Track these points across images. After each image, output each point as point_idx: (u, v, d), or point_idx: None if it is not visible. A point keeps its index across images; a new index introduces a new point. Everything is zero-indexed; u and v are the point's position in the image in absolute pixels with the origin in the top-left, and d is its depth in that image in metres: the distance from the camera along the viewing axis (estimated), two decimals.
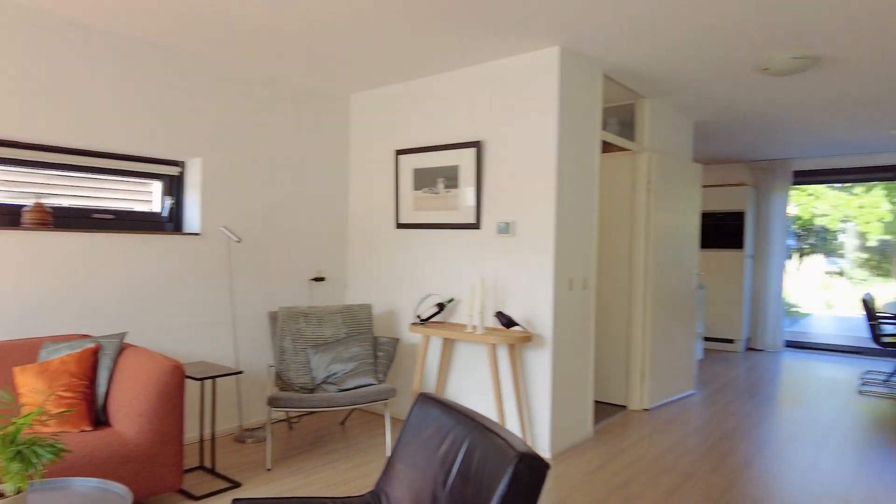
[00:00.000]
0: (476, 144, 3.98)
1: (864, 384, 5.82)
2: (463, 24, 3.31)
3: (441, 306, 3.96)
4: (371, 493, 2.16)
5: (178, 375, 2.62)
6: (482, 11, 3.13)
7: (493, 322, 3.93)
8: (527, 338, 3.59)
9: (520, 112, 3.81)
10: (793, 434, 4.25)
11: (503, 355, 3.86)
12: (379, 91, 4.63)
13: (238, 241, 3.99)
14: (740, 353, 7.60)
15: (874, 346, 6.06)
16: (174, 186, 3.98)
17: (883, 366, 6.81)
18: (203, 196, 3.91)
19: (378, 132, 4.64)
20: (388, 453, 3.59)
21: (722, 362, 6.89)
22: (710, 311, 7.82)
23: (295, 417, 4.35)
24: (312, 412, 4.50)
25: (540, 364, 3.74)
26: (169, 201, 3.94)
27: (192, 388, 3.79)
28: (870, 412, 4.86)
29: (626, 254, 4.87)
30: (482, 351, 3.99)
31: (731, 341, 7.73)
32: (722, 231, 7.78)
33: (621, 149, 4.82)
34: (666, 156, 4.96)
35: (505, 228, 3.86)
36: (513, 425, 3.84)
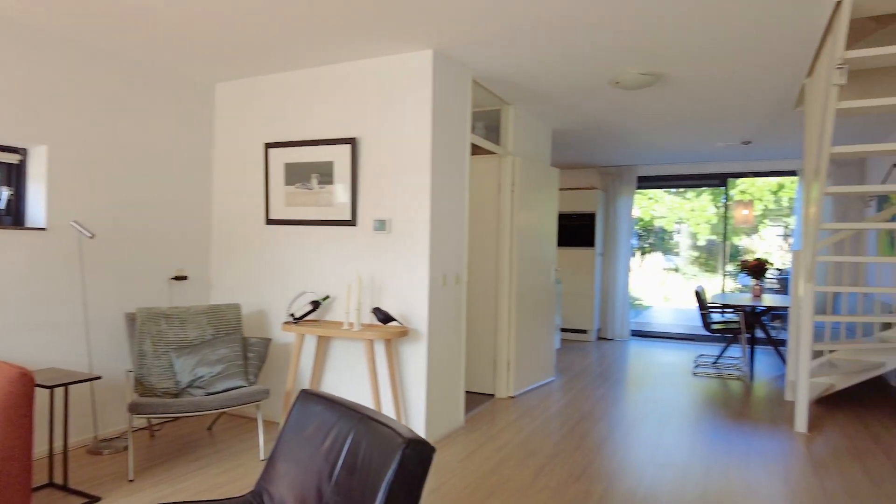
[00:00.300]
0: (351, 141, 3.99)
1: (697, 367, 6.58)
2: (338, 21, 3.31)
3: (316, 304, 3.92)
4: (251, 493, 2.11)
5: (26, 384, 2.37)
6: (357, 11, 3.16)
7: (370, 318, 3.96)
8: (403, 333, 3.67)
9: (395, 111, 3.88)
10: (640, 414, 4.72)
11: (380, 351, 3.91)
12: (248, 81, 4.47)
13: (91, 237, 3.66)
14: (592, 342, 8.25)
15: (705, 332, 6.87)
16: (13, 176, 3.57)
17: (712, 350, 7.74)
18: (50, 188, 3.55)
19: (247, 124, 4.48)
20: (262, 456, 3.51)
21: (577, 351, 7.45)
22: (566, 305, 8.41)
23: (157, 425, 4.08)
24: (176, 418, 4.24)
25: (416, 358, 3.83)
26: (7, 192, 3.53)
27: (40, 396, 3.42)
28: (702, 391, 5.52)
29: (493, 251, 5.11)
30: (359, 347, 4.00)
31: (584, 332, 8.37)
32: (576, 231, 8.40)
33: (488, 152, 5.05)
34: (528, 160, 5.28)
35: (381, 226, 3.91)
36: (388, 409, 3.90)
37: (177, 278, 4.33)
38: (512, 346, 5.07)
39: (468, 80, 4.23)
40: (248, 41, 3.66)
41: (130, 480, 3.16)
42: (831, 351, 5.07)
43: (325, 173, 4.11)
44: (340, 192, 4.06)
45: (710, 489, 3.22)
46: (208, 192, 4.61)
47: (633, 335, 8.88)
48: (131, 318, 3.66)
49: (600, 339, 8.59)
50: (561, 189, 8.52)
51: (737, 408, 4.90)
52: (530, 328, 5.33)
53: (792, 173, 7.83)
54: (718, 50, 3.72)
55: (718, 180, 8.34)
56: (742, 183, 14.15)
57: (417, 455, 1.68)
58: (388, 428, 1.79)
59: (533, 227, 5.36)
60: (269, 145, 4.31)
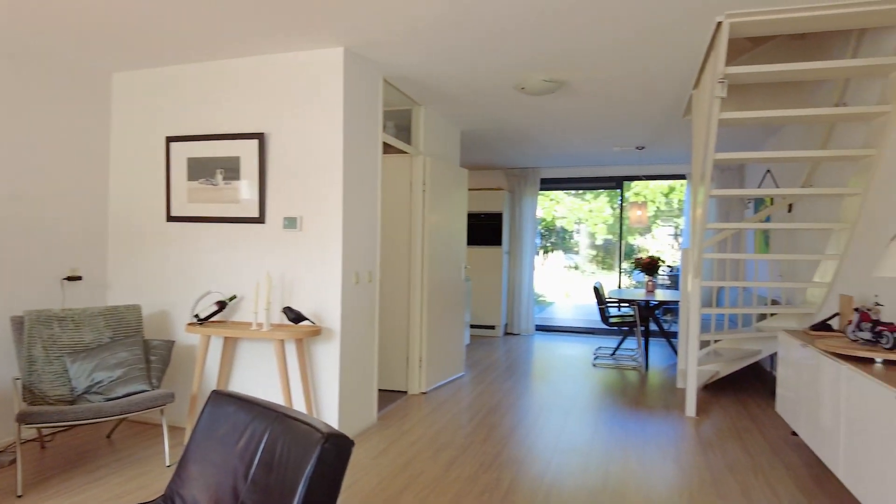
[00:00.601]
0: (259, 136, 3.90)
1: (596, 358, 6.95)
2: (246, 14, 3.23)
3: (222, 304, 3.80)
4: (161, 497, 2.04)
5: None
6: (266, 4, 3.10)
7: (281, 318, 3.89)
8: (316, 332, 3.64)
9: (306, 107, 3.84)
10: (545, 404, 4.93)
11: (291, 351, 3.85)
12: (149, 71, 4.25)
13: None
14: (500, 337, 8.50)
15: (604, 326, 7.26)
16: None
17: (610, 342, 8.19)
18: None
19: (146, 116, 4.26)
20: (168, 462, 3.37)
21: (486, 346, 7.65)
22: (475, 302, 8.60)
23: (48, 435, 3.79)
24: (70, 427, 3.96)
25: (328, 357, 3.81)
26: None
27: None
28: (601, 381, 5.84)
29: (406, 249, 5.16)
30: (269, 348, 3.92)
31: (492, 327, 8.60)
32: (484, 230, 8.62)
33: (399, 151, 5.09)
34: (438, 160, 5.37)
35: (291, 223, 3.85)
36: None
37: (70, 278, 4.04)
38: (424, 343, 5.14)
39: (379, 79, 4.25)
40: (149, 29, 3.50)
41: (19, 496, 2.93)
42: (716, 341, 5.53)
43: (231, 169, 3.99)
44: (247, 188, 3.96)
45: (611, 471, 3.44)
46: (104, 186, 4.34)
47: (537, 330, 9.22)
48: (18, 322, 3.39)
49: (507, 334, 8.86)
50: (470, 189, 8.70)
51: (633, 396, 5.24)
52: (441, 325, 5.43)
53: (681, 177, 8.44)
54: (615, 62, 3.97)
55: (615, 183, 8.83)
56: (636, 185, 15.05)
57: (336, 449, 1.70)
58: (305, 424, 1.79)
59: (443, 226, 5.46)
60: (170, 139, 4.12)
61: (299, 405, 3.84)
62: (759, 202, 6.81)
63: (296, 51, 3.84)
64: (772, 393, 5.26)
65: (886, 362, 2.69)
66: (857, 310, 2.94)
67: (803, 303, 4.90)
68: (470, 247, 8.64)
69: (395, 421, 4.35)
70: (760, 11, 3.15)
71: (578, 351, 7.53)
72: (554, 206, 19.27)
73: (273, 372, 3.92)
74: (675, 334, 8.56)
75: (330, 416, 3.81)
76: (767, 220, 6.09)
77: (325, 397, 3.82)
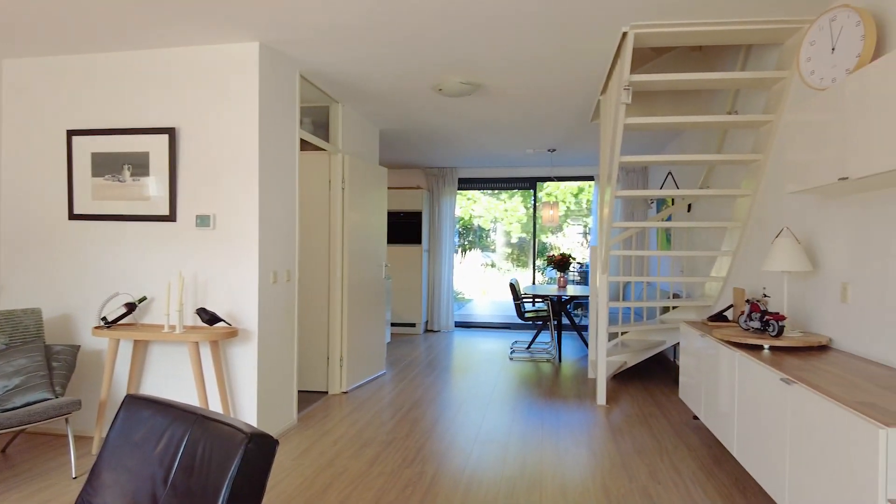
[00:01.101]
0: (170, 131, 3.75)
1: (512, 352, 7.16)
2: (156, 2, 3.11)
3: (131, 306, 3.63)
4: None
5: None
6: None
7: (195, 320, 3.76)
8: (232, 333, 3.55)
9: (220, 102, 3.73)
10: (465, 398, 5.04)
11: (206, 353, 3.73)
12: (47, 60, 3.98)
13: None
14: (420, 334, 8.57)
15: (519, 321, 7.49)
16: None
17: (526, 336, 8.45)
18: None
19: (44, 108, 3.99)
20: (75, 474, 3.19)
21: (406, 344, 7.70)
22: (395, 300, 8.63)
23: None
24: None
25: (245, 359, 3.72)
26: None
27: None
28: (518, 374, 6.03)
29: (325, 248, 5.12)
30: (182, 351, 3.79)
31: (412, 325, 8.66)
32: (403, 228, 8.66)
33: (317, 148, 5.04)
34: (357, 158, 5.37)
35: (205, 221, 3.73)
36: None
37: None
38: (344, 342, 5.12)
39: (296, 74, 4.20)
40: (42, 14, 3.28)
41: None
42: (623, 333, 5.85)
43: (139, 165, 3.82)
44: (157, 185, 3.80)
45: (528, 460, 3.58)
46: None
47: (457, 326, 9.37)
48: None
49: (427, 331, 8.94)
50: (389, 188, 8.71)
51: (548, 387, 5.45)
52: (362, 323, 5.42)
53: (590, 178, 8.83)
54: (528, 68, 4.12)
55: (528, 183, 9.12)
56: (548, 186, 15.57)
57: (260, 449, 1.70)
58: (226, 425, 1.77)
59: (363, 225, 5.45)
60: (72, 132, 3.89)
61: (216, 409, 3.73)
62: (661, 202, 7.25)
63: (209, 44, 3.73)
64: (675, 380, 5.63)
65: (773, 348, 2.97)
66: (748, 301, 3.23)
67: (702, 296, 5.28)
68: (390, 245, 8.65)
69: (317, 421, 4.32)
70: (662, 24, 3.38)
71: (496, 345, 7.72)
72: (471, 206, 19.62)
73: (187, 376, 3.79)
74: (585, 327, 8.95)
75: (248, 418, 3.73)
76: (669, 219, 6.51)
77: (243, 400, 3.74)
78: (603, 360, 4.80)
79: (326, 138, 5.13)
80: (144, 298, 3.76)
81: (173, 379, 3.81)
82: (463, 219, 19.78)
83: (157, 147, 3.79)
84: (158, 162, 3.80)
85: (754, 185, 4.07)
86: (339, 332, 5.12)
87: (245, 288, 3.71)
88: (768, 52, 3.97)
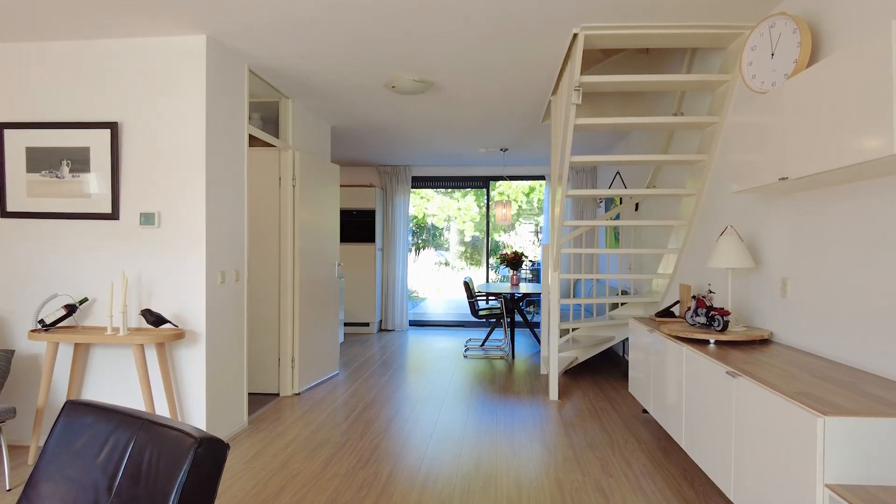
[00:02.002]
0: (112, 125, 3.61)
1: (466, 350, 7.19)
2: None
3: (71, 308, 3.47)
4: None
5: None
6: None
7: (140, 322, 3.63)
8: (178, 335, 3.44)
9: (165, 96, 3.61)
10: (420, 396, 5.03)
11: (152, 356, 3.61)
12: None
13: None
14: (375, 334, 8.52)
15: (473, 319, 7.53)
16: None
17: (480, 334, 8.50)
18: None
19: None
20: (9, 486, 3.03)
21: (360, 343, 7.63)
22: (349, 299, 8.54)
23: None
24: None
25: (193, 361, 3.62)
26: None
27: None
28: (472, 371, 6.06)
29: (276, 247, 5.02)
30: (127, 355, 3.65)
31: (366, 324, 8.60)
32: (357, 227, 8.58)
33: (267, 144, 4.94)
34: (308, 155, 5.28)
35: (149, 219, 3.61)
36: None
37: None
38: (296, 343, 5.03)
39: (244, 69, 4.10)
40: None
41: None
42: (574, 329, 5.96)
43: (79, 160, 3.66)
44: (99, 182, 3.65)
45: (483, 456, 3.60)
46: None
47: (411, 325, 9.35)
48: None
49: (382, 330, 8.89)
50: (342, 186, 8.62)
51: (501, 383, 5.50)
52: (314, 324, 5.35)
53: (541, 178, 8.95)
54: (480, 66, 4.15)
55: (481, 182, 9.17)
56: (500, 185, 15.71)
57: (211, 454, 1.65)
58: (175, 430, 1.71)
59: (315, 223, 5.37)
60: (3, 125, 3.69)
61: (163, 413, 3.61)
62: (609, 201, 7.42)
63: (154, 36, 3.60)
64: (624, 375, 5.77)
65: (718, 343, 3.07)
66: (694, 297, 3.33)
67: (649, 292, 5.42)
68: (343, 244, 8.56)
69: (268, 423, 4.23)
70: (611, 26, 3.45)
71: (450, 343, 7.74)
72: (425, 204, 19.64)
73: (133, 380, 3.65)
74: (538, 324, 9.08)
75: (197, 422, 3.62)
76: (617, 217, 6.66)
77: (192, 403, 3.63)
78: (555, 357, 4.88)
79: (277, 134, 5.03)
80: (86, 300, 3.60)
81: (118, 384, 3.67)
82: (417, 217, 19.79)
83: (98, 142, 3.64)
84: (100, 158, 3.64)
85: (699, 185, 4.20)
86: (291, 332, 5.03)
87: (192, 288, 3.60)
88: (713, 56, 4.11)
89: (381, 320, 8.98)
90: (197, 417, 3.62)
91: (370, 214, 8.57)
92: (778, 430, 2.04)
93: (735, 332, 3.12)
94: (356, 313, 8.59)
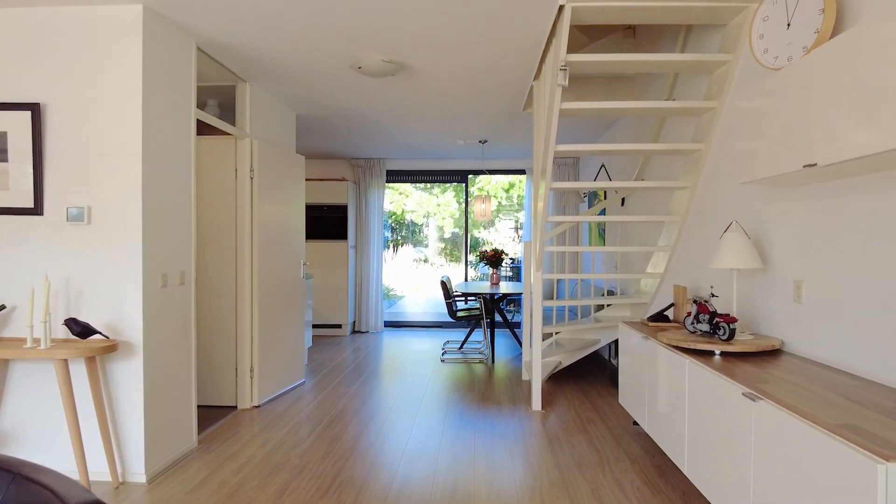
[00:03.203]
0: (33, 107, 3.13)
1: (444, 353, 6.80)
2: None
3: None
4: None
5: None
6: None
7: (66, 332, 3.17)
8: (110, 347, 2.99)
9: (96, 74, 3.14)
10: (392, 406, 4.63)
11: (81, 372, 3.15)
12: None
13: None
14: (347, 336, 8.08)
15: (452, 319, 7.14)
16: None
17: (458, 335, 8.11)
18: None
19: None
20: None
21: (331, 347, 7.20)
22: (319, 300, 8.09)
23: None
24: None
25: (129, 376, 3.17)
26: None
27: None
28: (450, 377, 5.67)
29: (231, 245, 4.57)
30: (50, 369, 3.18)
31: (338, 326, 8.15)
32: (328, 223, 8.12)
33: (222, 133, 4.48)
34: (269, 144, 4.84)
35: (78, 215, 3.15)
36: (95, 452, 3.17)
37: None
38: (255, 351, 4.59)
39: (191, 46, 3.64)
40: None
41: None
42: (557, 332, 5.60)
43: None
44: (18, 172, 3.17)
45: (460, 477, 3.21)
46: None
47: (386, 326, 8.93)
48: None
49: (355, 332, 8.46)
50: (311, 179, 8.16)
51: (481, 390, 5.12)
52: (276, 328, 4.91)
53: (521, 172, 8.58)
54: (456, 46, 3.74)
55: (459, 177, 8.78)
56: (479, 180, 15.35)
57: None
58: (49, 492, 1.30)
59: (277, 218, 4.93)
60: None
61: (92, 436, 3.16)
62: (593, 196, 7.07)
63: (82, 5, 3.13)
64: (611, 380, 5.42)
65: (724, 354, 2.72)
66: (695, 301, 2.97)
67: (637, 293, 5.08)
68: (313, 241, 8.10)
69: (221, 442, 3.80)
70: None
71: (427, 346, 7.34)
72: (403, 200, 19.22)
73: (58, 399, 3.19)
74: (518, 324, 8.72)
75: (133, 445, 3.18)
76: (603, 213, 6.31)
77: (127, 424, 3.18)
78: (538, 364, 4.51)
79: (233, 122, 4.57)
80: (3, 307, 3.13)
81: (41, 404, 3.20)
82: (395, 213, 19.36)
83: (17, 126, 3.17)
84: (19, 144, 3.17)
85: (694, 177, 3.85)
86: (249, 339, 4.58)
87: (127, 293, 3.15)
88: (709, 36, 3.76)
89: (354, 321, 8.55)
90: (133, 440, 3.18)
91: (342, 210, 8.12)
92: (818, 472, 1.68)
93: (742, 341, 2.77)
94: (327, 314, 8.14)
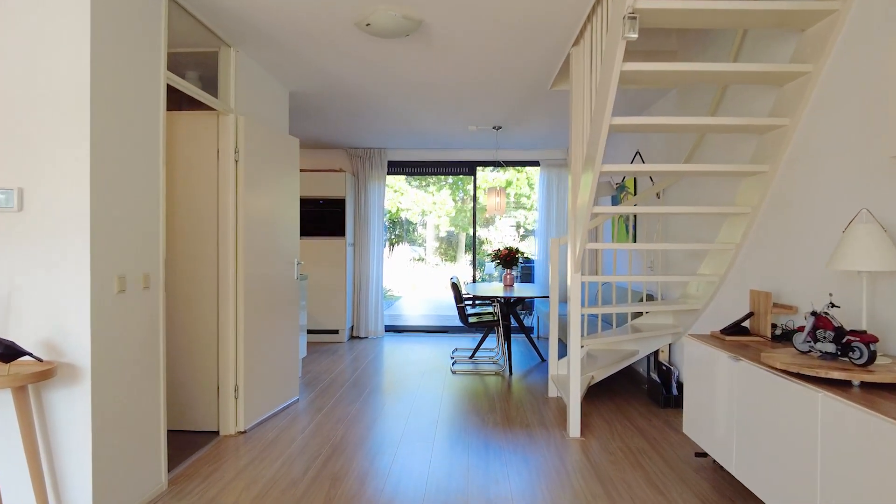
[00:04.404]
0: None
1: (454, 363, 6.09)
2: None
3: None
4: None
5: None
6: None
7: None
8: (44, 374, 2.27)
9: (26, 24, 2.42)
10: (403, 432, 3.92)
11: (6, 402, 2.43)
12: None
13: None
14: (345, 342, 7.36)
15: (457, 322, 6.44)
16: None
17: (466, 341, 7.40)
18: None
19: None
20: None
21: (328, 355, 6.47)
22: (314, 302, 7.37)
23: None
24: None
25: (73, 408, 2.45)
26: None
27: None
28: (464, 392, 4.96)
29: (212, 241, 3.84)
30: None
31: (335, 332, 7.43)
32: (324, 218, 7.40)
33: (202, 108, 3.77)
34: (257, 122, 4.12)
35: (7, 200, 2.42)
36: (27, 503, 2.45)
37: None
38: (241, 366, 3.87)
39: None
40: None
41: None
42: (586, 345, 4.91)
43: None
44: None
45: None
46: None
47: (387, 331, 8.21)
48: None
49: (353, 337, 7.73)
50: (308, 170, 7.43)
51: (504, 410, 4.41)
52: (266, 338, 4.18)
53: (535, 164, 7.89)
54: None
55: (467, 168, 8.08)
56: (486, 172, 14.66)
57: None
58: None
59: (267, 209, 4.20)
60: None
61: (22, 483, 2.43)
62: (621, 189, 6.37)
63: None
64: (651, 397, 4.72)
65: (864, 385, 2.03)
66: (813, 314, 2.28)
67: (683, 297, 4.39)
68: (308, 238, 7.37)
69: (198, 482, 3.08)
70: None
71: (434, 354, 6.63)
72: (399, 198, 18.53)
73: None
74: (531, 329, 8.03)
75: (79, 492, 2.46)
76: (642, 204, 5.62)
77: (71, 468, 2.46)
78: (576, 383, 3.82)
79: (216, 94, 3.84)
80: None
81: None
82: (390, 212, 18.67)
83: None
84: None
85: (774, 159, 3.17)
86: (234, 351, 3.86)
87: (71, 301, 2.42)
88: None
89: (352, 326, 7.82)
90: (79, 486, 2.45)
91: (339, 204, 7.40)
92: None
93: (884, 366, 2.08)
94: (323, 319, 7.41)
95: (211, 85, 3.91)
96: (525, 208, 18.10)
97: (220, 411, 3.85)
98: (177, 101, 4.10)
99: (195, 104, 3.83)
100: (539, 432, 3.92)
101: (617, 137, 6.51)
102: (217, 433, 3.86)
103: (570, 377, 3.84)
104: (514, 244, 13.05)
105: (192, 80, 3.84)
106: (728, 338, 2.99)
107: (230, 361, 3.84)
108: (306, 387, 5.09)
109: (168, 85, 3.04)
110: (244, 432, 3.89)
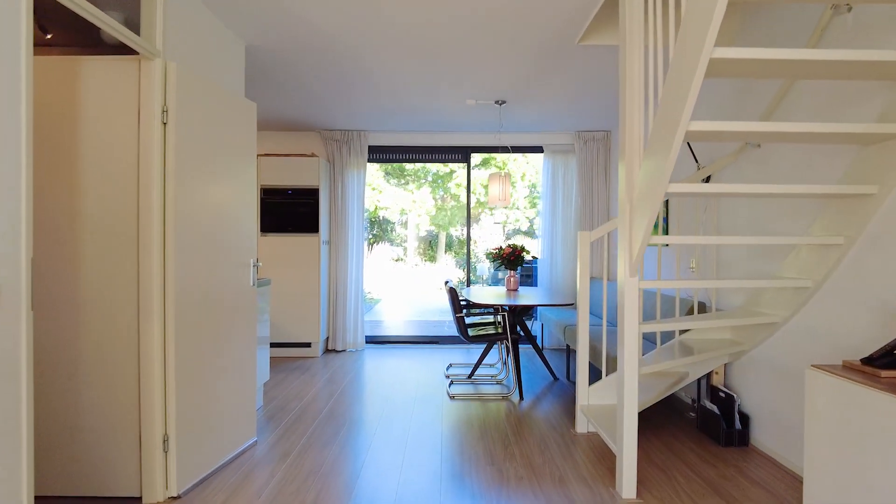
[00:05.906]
0: None
1: (451, 385, 5.07)
2: None
3: None
4: None
5: None
6: None
7: None
8: None
9: None
10: (398, 493, 2.89)
11: None
12: None
13: None
14: (318, 357, 6.29)
15: (449, 333, 5.44)
16: None
17: (461, 353, 6.38)
18: None
19: None
20: None
21: (297, 375, 5.40)
22: (282, 310, 6.29)
23: None
24: None
25: None
26: None
27: None
28: (468, 427, 3.95)
29: (131, 235, 2.77)
30: None
31: (307, 345, 6.35)
32: (294, 211, 6.32)
33: (120, 50, 2.71)
34: (198, 74, 3.06)
35: None
36: None
37: None
38: (171, 406, 2.81)
39: None
40: None
41: None
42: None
43: None
44: None
45: None
46: None
47: (368, 342, 7.15)
48: None
49: (329, 351, 6.66)
50: (274, 155, 6.34)
51: (526, 456, 3.41)
52: (208, 364, 3.12)
53: (538, 150, 6.92)
54: None
55: (460, 154, 7.07)
56: (480, 159, 13.64)
57: None
58: None
59: (212, 193, 3.14)
60: None
61: None
62: None
63: None
64: (704, 431, 3.75)
65: None
66: None
67: (749, 307, 3.45)
68: (273, 234, 6.29)
69: None
70: None
71: (424, 371, 5.60)
72: (377, 196, 17.49)
73: None
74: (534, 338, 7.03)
75: None
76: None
77: None
78: (633, 427, 2.83)
79: (138, 32, 2.77)
80: None
81: None
82: (368, 210, 17.63)
83: None
84: None
85: None
86: (161, 387, 2.79)
87: None
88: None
89: (327, 338, 6.75)
90: None
91: (312, 194, 6.32)
92: None
93: None
94: (292, 330, 6.33)
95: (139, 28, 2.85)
96: (506, 207, 17.21)
97: (144, 469, 2.78)
98: (91, 43, 3.03)
99: (109, 47, 2.77)
100: (578, 490, 2.92)
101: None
102: (139, 500, 2.79)
103: (622, 419, 2.86)
104: (498, 243, 12.10)
105: (117, 19, 2.78)
106: (884, 373, 2.03)
107: (156, 401, 2.77)
108: (268, 422, 4.03)
109: (61, 8, 1.97)
110: (177, 497, 2.83)
